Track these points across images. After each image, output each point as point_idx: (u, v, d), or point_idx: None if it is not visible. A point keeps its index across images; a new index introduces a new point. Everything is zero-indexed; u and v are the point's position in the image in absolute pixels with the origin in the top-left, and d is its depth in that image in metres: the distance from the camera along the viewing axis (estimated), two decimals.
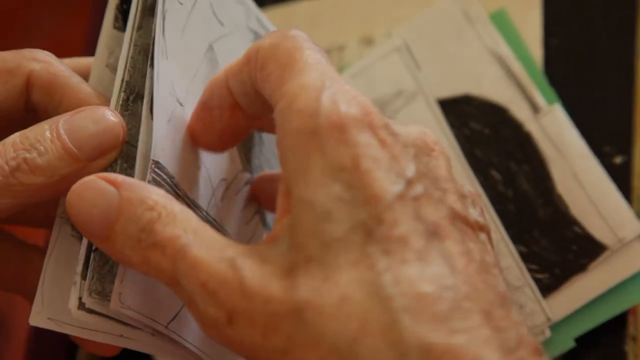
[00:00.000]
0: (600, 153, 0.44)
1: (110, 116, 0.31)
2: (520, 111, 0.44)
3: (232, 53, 0.36)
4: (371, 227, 0.24)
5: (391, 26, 0.48)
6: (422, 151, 0.28)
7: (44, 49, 0.35)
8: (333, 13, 0.50)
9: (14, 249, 0.35)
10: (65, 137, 0.30)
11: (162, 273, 0.27)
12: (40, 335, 0.40)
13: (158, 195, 0.28)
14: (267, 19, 0.41)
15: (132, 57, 0.32)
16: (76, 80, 0.33)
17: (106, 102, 0.32)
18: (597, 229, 0.42)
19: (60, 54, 0.35)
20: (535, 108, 0.45)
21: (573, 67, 0.47)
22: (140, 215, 0.27)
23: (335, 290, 0.24)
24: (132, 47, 0.32)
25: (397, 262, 0.24)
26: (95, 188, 0.28)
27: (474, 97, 0.45)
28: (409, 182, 0.26)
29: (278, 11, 0.50)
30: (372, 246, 0.24)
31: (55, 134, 0.30)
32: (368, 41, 0.49)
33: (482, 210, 0.29)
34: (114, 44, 0.34)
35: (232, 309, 0.25)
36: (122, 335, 0.30)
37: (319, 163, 0.25)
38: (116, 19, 0.34)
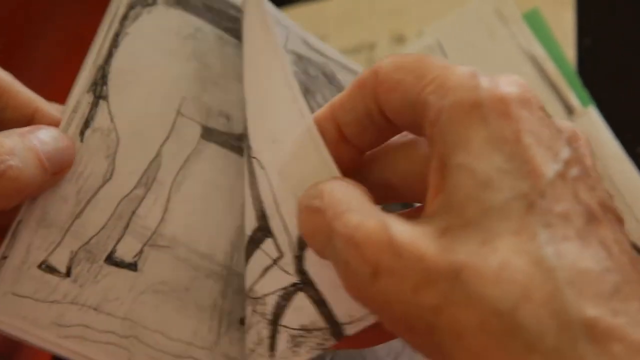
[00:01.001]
0: (634, 154, 0.44)
1: (65, 138, 0.34)
2: (553, 112, 0.44)
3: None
4: (533, 199, 0.24)
5: (423, 24, 0.48)
6: (572, 138, 0.28)
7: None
8: (363, 11, 0.49)
9: None
10: (39, 149, 0.32)
11: (320, 233, 0.28)
12: None
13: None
14: (296, 16, 0.40)
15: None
16: (17, 84, 0.35)
17: (46, 105, 0.35)
18: (631, 231, 0.41)
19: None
20: (569, 109, 0.44)
21: (606, 67, 0.46)
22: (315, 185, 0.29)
23: (495, 255, 0.24)
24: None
25: (559, 237, 0.24)
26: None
27: None
28: (567, 163, 0.26)
29: (307, 9, 0.49)
30: (533, 218, 0.24)
31: (28, 145, 0.32)
32: (399, 39, 0.49)
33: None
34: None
35: (377, 264, 0.25)
36: None
37: (481, 134, 0.25)
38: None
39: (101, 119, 0.36)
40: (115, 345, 0.34)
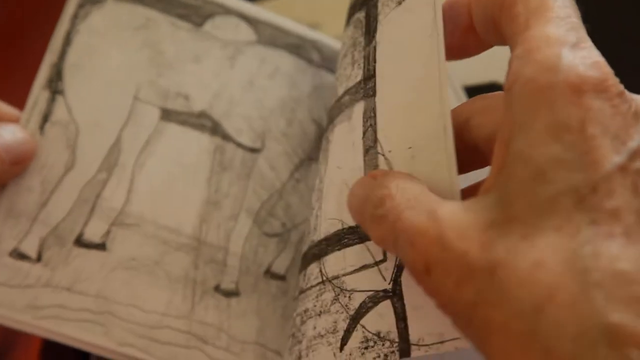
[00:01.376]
0: None
1: (23, 132, 0.37)
2: None
3: None
4: (584, 193, 0.23)
5: None
6: None
7: None
8: None
9: None
10: None
11: (388, 238, 0.28)
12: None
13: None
14: (289, 6, 0.41)
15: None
16: None
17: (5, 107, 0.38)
18: None
19: None
20: None
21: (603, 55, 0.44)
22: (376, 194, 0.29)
23: (531, 252, 0.23)
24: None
25: (602, 235, 0.23)
26: (361, 182, 0.31)
27: (501, 85, 0.44)
28: (634, 154, 0.24)
29: None
30: (580, 213, 0.23)
31: None
32: None
33: None
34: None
35: (429, 259, 0.26)
36: None
37: (545, 119, 0.25)
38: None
39: (59, 112, 0.37)
40: (90, 322, 0.35)
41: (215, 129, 0.39)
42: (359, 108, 0.34)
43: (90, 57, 0.39)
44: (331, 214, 0.33)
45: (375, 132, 0.33)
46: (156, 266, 0.36)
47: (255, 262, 0.38)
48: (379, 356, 0.30)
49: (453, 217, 0.26)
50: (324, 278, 0.33)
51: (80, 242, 0.36)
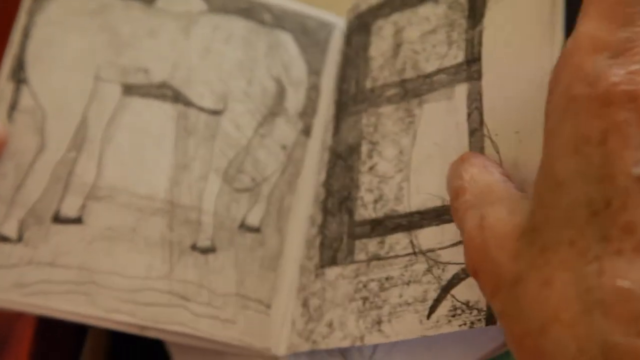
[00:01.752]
0: None
1: None
2: None
3: None
4: (598, 207, 0.23)
5: None
6: None
7: None
8: None
9: None
10: None
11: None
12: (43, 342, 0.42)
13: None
14: None
15: None
16: None
17: None
18: None
19: None
20: None
21: None
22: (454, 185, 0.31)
23: (545, 269, 0.23)
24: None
25: (611, 251, 0.22)
26: (453, 164, 0.32)
27: None
28: None
29: None
30: (592, 228, 0.23)
31: None
32: None
33: None
34: None
35: (475, 265, 0.27)
36: None
37: (569, 131, 0.24)
38: None
39: (25, 100, 0.39)
40: (75, 293, 0.36)
41: (176, 97, 0.40)
42: (461, 89, 0.35)
43: (50, 46, 0.40)
44: (429, 189, 0.34)
45: (481, 114, 0.34)
46: (133, 233, 0.38)
47: (229, 217, 0.39)
48: (465, 323, 0.31)
49: (497, 224, 0.26)
50: (416, 250, 0.34)
51: (57, 218, 0.38)
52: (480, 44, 0.35)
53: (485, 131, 0.33)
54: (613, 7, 0.25)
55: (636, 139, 0.23)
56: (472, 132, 0.34)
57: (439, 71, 0.36)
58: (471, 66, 0.35)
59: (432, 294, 0.32)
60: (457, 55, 0.36)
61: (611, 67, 0.24)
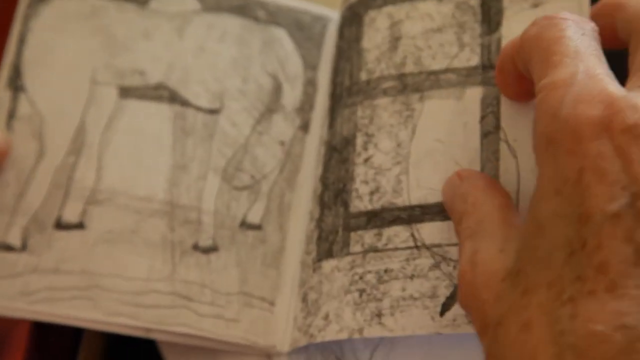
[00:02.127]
0: None
1: None
2: None
3: None
4: (575, 248, 0.23)
5: None
6: None
7: None
8: None
9: None
10: None
11: None
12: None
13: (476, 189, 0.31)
14: None
15: None
16: None
17: None
18: None
19: None
20: None
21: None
22: (457, 209, 0.31)
23: (524, 312, 0.23)
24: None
25: (585, 293, 0.22)
26: (450, 180, 0.33)
27: None
28: (637, 195, 0.22)
29: None
30: (568, 269, 0.23)
31: None
32: None
33: None
34: None
35: (465, 301, 0.28)
36: None
37: (548, 174, 0.24)
38: None
39: (23, 108, 0.39)
40: (79, 298, 0.37)
41: (173, 98, 0.40)
42: (474, 92, 0.35)
43: (46, 52, 0.40)
44: (431, 184, 0.34)
45: (497, 119, 0.34)
46: (133, 235, 0.38)
47: (229, 216, 0.39)
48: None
49: (486, 260, 0.27)
50: (419, 244, 0.34)
51: (59, 225, 0.38)
52: (497, 51, 0.35)
53: (502, 135, 0.34)
54: (566, 56, 0.26)
55: (612, 171, 0.23)
56: (486, 135, 0.34)
57: (448, 70, 0.36)
58: (487, 71, 0.35)
59: (444, 291, 0.32)
60: (471, 59, 0.36)
61: (577, 96, 0.24)
